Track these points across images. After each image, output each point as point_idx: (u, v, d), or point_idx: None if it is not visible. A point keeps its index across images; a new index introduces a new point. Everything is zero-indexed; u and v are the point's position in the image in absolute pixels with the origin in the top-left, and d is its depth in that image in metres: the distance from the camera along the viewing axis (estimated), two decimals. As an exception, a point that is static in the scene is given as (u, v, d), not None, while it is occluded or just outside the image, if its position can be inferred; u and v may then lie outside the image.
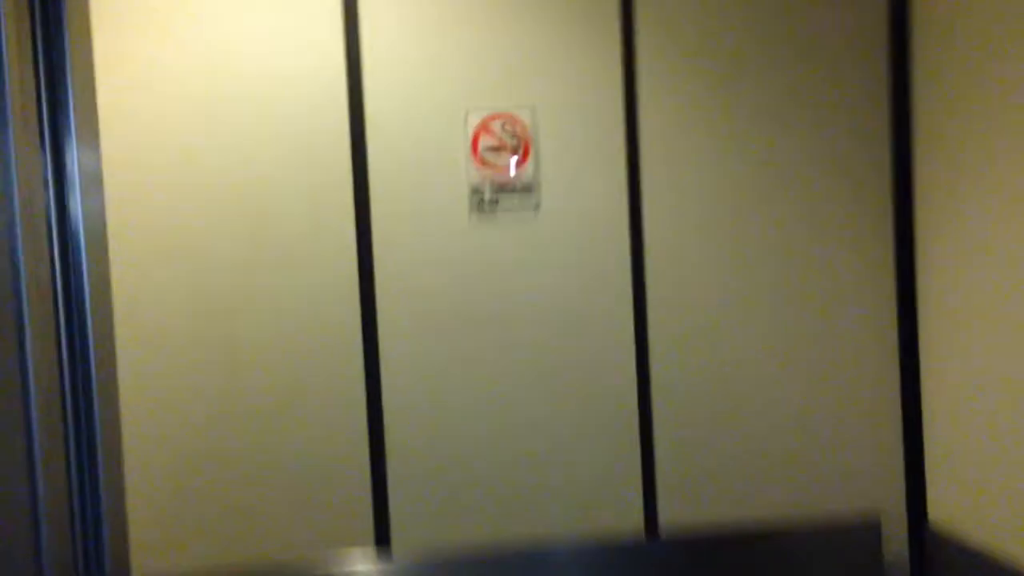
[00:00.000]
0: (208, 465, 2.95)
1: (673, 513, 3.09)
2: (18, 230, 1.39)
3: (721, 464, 3.11)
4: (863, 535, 3.10)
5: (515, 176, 3.02)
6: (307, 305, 2.96)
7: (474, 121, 3.00)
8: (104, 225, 1.67)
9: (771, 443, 3.11)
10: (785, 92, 3.07)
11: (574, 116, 3.04)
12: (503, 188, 3.02)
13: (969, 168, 2.73)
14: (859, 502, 3.13)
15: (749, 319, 3.09)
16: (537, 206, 3.04)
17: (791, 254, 3.09)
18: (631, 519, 3.08)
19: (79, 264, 1.55)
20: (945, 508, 2.99)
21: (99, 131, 1.65)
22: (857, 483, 3.13)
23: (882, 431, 3.13)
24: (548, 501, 3.05)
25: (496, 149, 3.01)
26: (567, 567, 3.02)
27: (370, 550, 2.98)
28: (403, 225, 2.99)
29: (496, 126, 3.00)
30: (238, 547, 2.95)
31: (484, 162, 3.00)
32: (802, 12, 3.07)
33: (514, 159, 3.01)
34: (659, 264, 3.07)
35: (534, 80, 3.02)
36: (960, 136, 2.77)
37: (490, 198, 3.02)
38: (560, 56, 3.03)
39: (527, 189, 3.03)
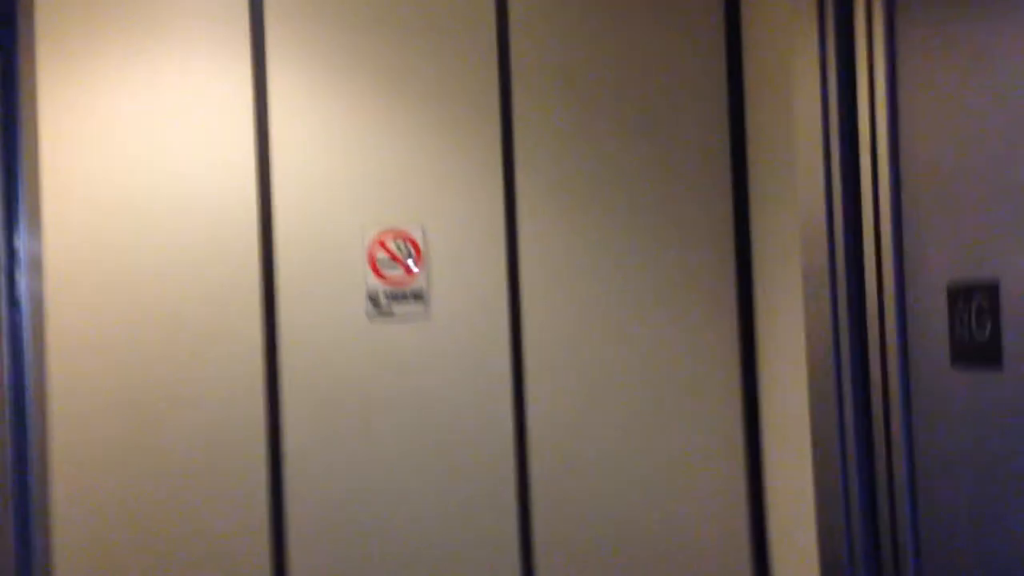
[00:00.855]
0: (125, 540, 3.24)
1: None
2: None
3: (593, 539, 3.47)
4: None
5: (407, 285, 3.41)
6: (217, 396, 3.30)
7: (371, 236, 3.39)
8: (42, 305, 1.98)
9: (633, 523, 3.48)
10: (646, 208, 3.52)
11: (461, 231, 3.45)
12: (397, 296, 3.40)
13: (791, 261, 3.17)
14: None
15: (614, 408, 3.49)
16: (428, 311, 3.42)
17: (651, 350, 3.51)
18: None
19: (22, 342, 1.86)
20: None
21: (41, 224, 1.98)
22: (710, 559, 3.51)
23: (730, 512, 3.51)
24: (437, 571, 3.39)
25: (391, 261, 3.40)
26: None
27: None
28: (307, 326, 3.36)
29: (390, 241, 3.40)
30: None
31: (379, 272, 3.39)
32: (656, 129, 3.53)
33: (405, 271, 3.40)
34: (535, 360, 3.46)
35: (425, 200, 3.44)
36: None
37: (385, 304, 3.40)
38: (449, 179, 3.45)
39: (419, 296, 3.42)
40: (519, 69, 3.50)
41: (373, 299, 3.39)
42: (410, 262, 3.41)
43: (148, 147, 3.33)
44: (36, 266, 1.91)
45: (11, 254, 1.87)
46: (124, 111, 3.33)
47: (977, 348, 1.71)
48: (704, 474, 3.53)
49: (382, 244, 3.40)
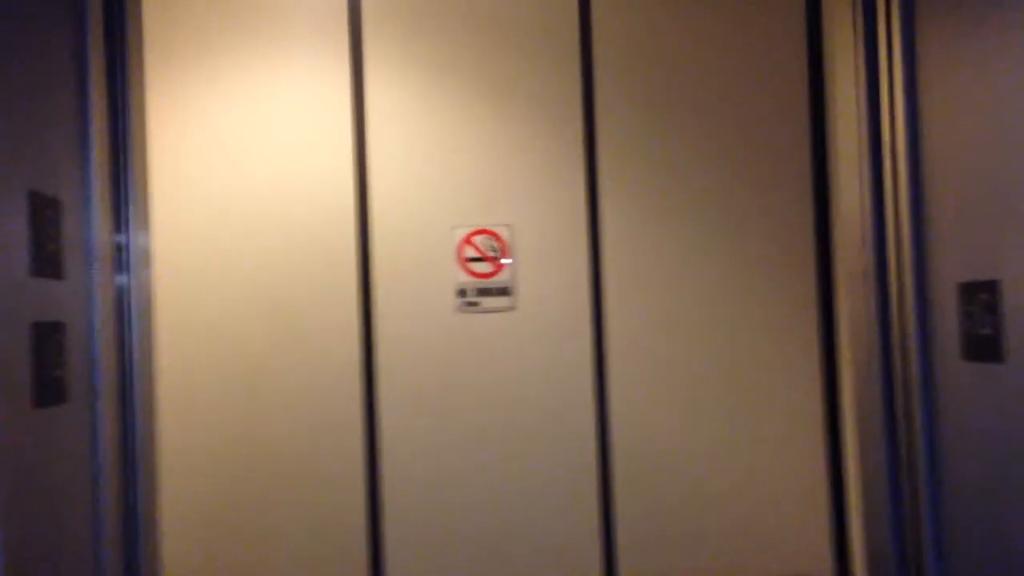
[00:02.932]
0: (234, 516, 3.58)
1: (628, 565, 3.60)
2: (96, 299, 1.98)
3: (672, 526, 3.62)
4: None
5: (494, 279, 3.63)
6: (317, 384, 3.60)
7: (460, 234, 3.63)
8: (152, 300, 2.22)
9: (715, 507, 3.61)
10: (727, 202, 3.63)
11: (545, 228, 3.64)
12: (484, 289, 3.63)
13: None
14: (794, 562, 3.60)
15: (695, 395, 3.62)
16: (513, 304, 3.63)
17: (732, 339, 3.62)
18: (592, 570, 3.60)
19: (132, 330, 2.10)
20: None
21: (150, 223, 2.24)
22: (790, 546, 3.61)
23: (810, 495, 3.60)
24: (523, 555, 3.60)
25: (478, 259, 3.63)
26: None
27: (366, 592, 3.56)
28: (400, 317, 3.62)
29: (478, 239, 3.63)
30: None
31: (468, 268, 3.62)
32: (736, 132, 3.64)
33: (492, 266, 3.62)
34: (617, 349, 3.63)
35: (511, 200, 3.65)
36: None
37: (473, 297, 3.63)
38: (534, 181, 3.64)
39: (504, 290, 3.63)
40: (602, 71, 3.66)
41: (461, 293, 3.62)
42: (497, 257, 3.63)
43: (251, 150, 3.64)
44: (146, 263, 2.18)
45: (121, 250, 2.14)
46: (229, 116, 3.64)
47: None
48: (785, 458, 3.62)
49: (470, 241, 3.62)
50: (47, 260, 1.79)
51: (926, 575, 2.05)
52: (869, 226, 2.21)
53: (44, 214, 1.79)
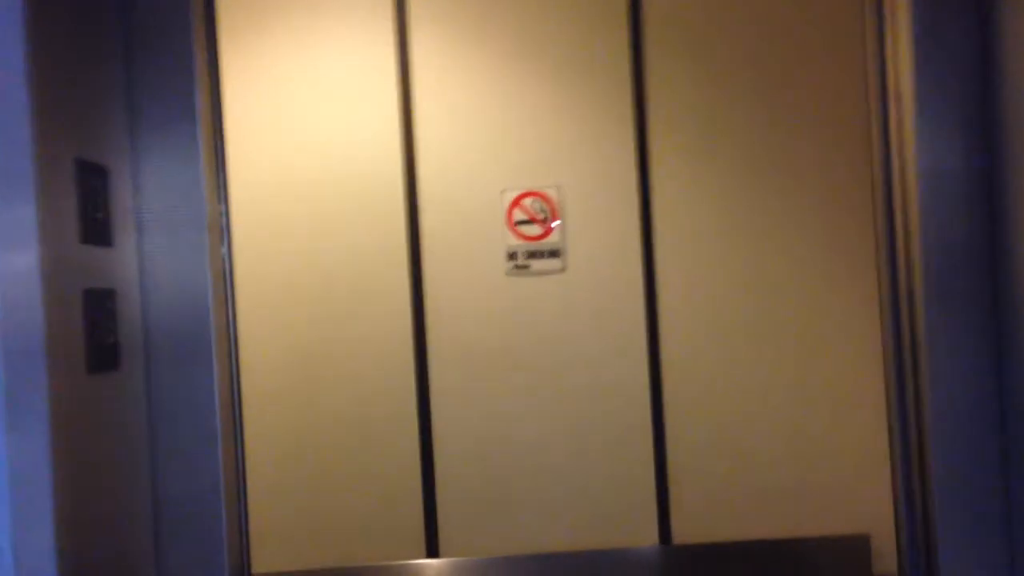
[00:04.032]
0: (298, 472, 3.62)
1: (683, 527, 3.58)
2: (208, 273, 2.02)
3: (726, 487, 3.58)
4: (855, 552, 3.52)
5: (544, 243, 3.60)
6: (372, 349, 3.61)
7: (509, 197, 3.60)
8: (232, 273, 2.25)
9: (772, 471, 3.57)
10: (779, 165, 3.56)
11: (595, 190, 3.60)
12: (534, 252, 3.60)
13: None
14: (852, 522, 3.55)
15: (747, 359, 3.57)
16: (563, 266, 3.60)
17: (789, 299, 3.56)
18: (648, 532, 3.59)
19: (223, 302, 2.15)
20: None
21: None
22: (849, 505, 3.56)
23: (872, 460, 3.54)
24: (577, 517, 3.59)
25: (528, 221, 3.60)
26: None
27: (421, 560, 3.58)
28: (450, 281, 3.61)
29: (527, 202, 3.59)
30: (308, 551, 3.60)
31: (517, 231, 3.59)
32: (791, 90, 3.55)
33: (542, 228, 3.59)
34: (669, 311, 3.58)
35: (560, 162, 3.60)
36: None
37: (523, 260, 3.61)
38: (583, 142, 3.60)
39: (555, 252, 3.60)
40: (651, 30, 3.58)
41: (511, 255, 3.60)
42: (546, 220, 3.59)
43: (296, 117, 3.64)
44: (226, 237, 2.20)
45: (224, 225, 2.16)
46: (277, 83, 3.64)
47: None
48: (843, 415, 3.56)
49: (519, 203, 3.59)
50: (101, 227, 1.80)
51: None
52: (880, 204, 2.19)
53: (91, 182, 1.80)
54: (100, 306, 1.79)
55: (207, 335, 2.01)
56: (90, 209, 1.78)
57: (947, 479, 2.05)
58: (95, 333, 1.76)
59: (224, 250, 2.16)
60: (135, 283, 1.97)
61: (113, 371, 1.85)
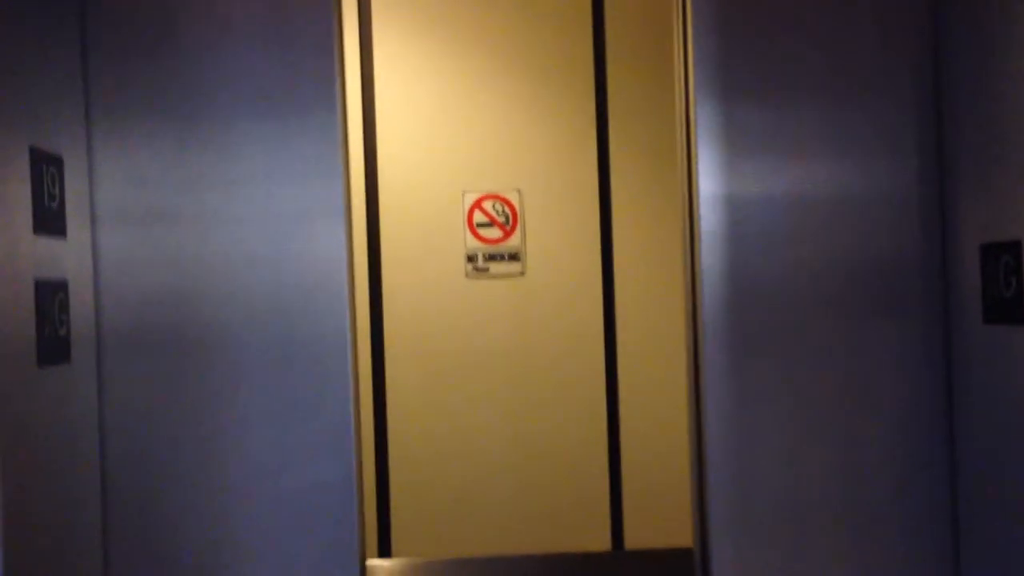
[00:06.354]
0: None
1: (636, 531, 3.60)
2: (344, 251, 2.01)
3: (682, 492, 3.60)
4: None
5: (504, 246, 3.60)
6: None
7: (470, 200, 3.60)
8: None
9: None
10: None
11: (555, 196, 3.61)
12: (494, 255, 3.61)
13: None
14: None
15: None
16: (523, 269, 3.61)
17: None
18: (600, 535, 3.60)
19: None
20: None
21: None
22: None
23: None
24: (533, 519, 3.60)
25: (488, 224, 3.60)
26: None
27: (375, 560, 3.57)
28: (410, 283, 3.60)
29: (488, 204, 3.60)
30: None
31: (477, 233, 3.60)
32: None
33: (502, 231, 3.60)
34: (627, 316, 3.60)
35: (522, 165, 3.61)
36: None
37: (483, 263, 3.61)
38: (544, 143, 3.61)
39: (514, 255, 3.61)
40: (614, 30, 3.60)
41: (471, 258, 3.60)
42: (507, 223, 3.60)
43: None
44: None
45: None
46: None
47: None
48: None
49: (480, 206, 3.60)
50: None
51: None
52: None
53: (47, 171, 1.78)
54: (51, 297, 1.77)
55: (345, 333, 2.01)
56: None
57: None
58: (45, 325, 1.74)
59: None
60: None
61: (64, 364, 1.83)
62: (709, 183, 2.12)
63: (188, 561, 2.02)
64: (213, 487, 2.02)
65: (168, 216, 2.03)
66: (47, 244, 1.78)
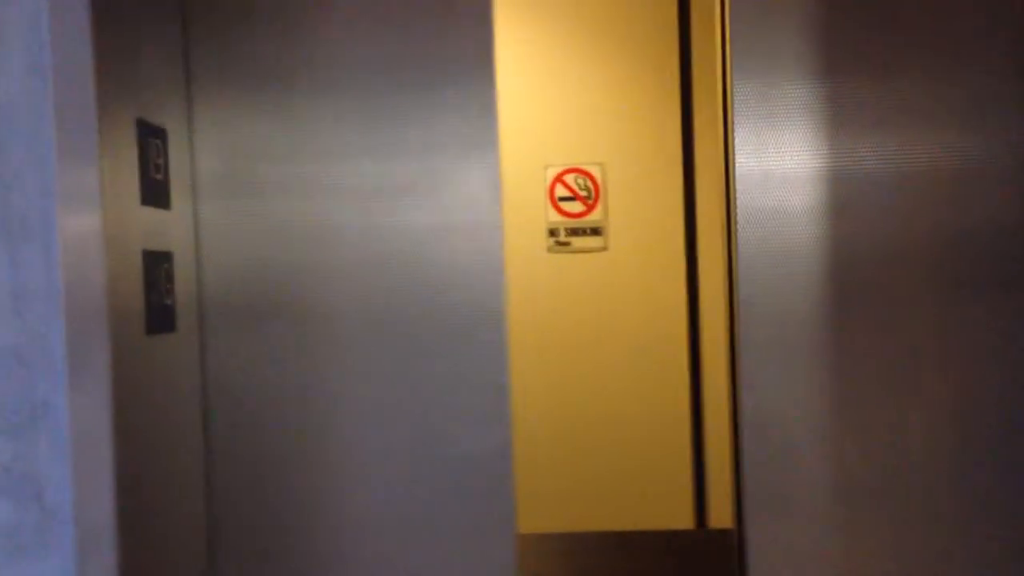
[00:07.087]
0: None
1: (720, 509, 3.58)
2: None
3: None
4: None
5: (586, 220, 3.58)
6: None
7: (552, 173, 3.58)
8: None
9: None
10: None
11: (638, 170, 3.57)
12: (576, 229, 3.59)
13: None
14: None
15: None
16: (605, 244, 3.59)
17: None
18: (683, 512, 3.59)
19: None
20: None
21: None
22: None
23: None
24: (611, 497, 3.59)
25: (570, 198, 3.58)
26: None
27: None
28: (491, 258, 3.60)
29: (570, 179, 3.58)
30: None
31: (559, 207, 3.58)
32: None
33: (584, 205, 3.57)
34: (711, 290, 3.56)
35: (604, 139, 3.58)
36: None
37: (564, 237, 3.59)
38: (628, 119, 3.57)
39: (596, 231, 3.59)
40: (698, 5, 3.55)
41: (553, 232, 3.58)
42: (589, 197, 3.58)
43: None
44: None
45: None
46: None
47: None
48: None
49: (562, 180, 3.58)
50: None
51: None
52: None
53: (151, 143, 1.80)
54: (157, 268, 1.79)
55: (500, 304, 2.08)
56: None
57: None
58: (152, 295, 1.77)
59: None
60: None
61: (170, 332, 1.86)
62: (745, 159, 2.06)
63: (299, 528, 2.04)
64: (327, 460, 2.03)
65: (269, 188, 2.04)
66: (153, 215, 1.80)
